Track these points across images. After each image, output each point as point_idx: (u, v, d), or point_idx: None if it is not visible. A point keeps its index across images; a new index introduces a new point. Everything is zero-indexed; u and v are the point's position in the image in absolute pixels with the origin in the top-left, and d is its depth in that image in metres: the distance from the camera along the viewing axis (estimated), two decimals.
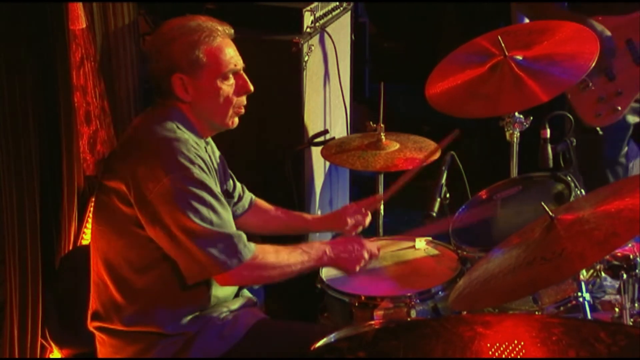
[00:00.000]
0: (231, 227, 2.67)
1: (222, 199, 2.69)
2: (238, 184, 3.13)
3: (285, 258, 2.72)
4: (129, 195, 2.62)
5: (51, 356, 3.21)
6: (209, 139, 2.90)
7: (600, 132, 3.59)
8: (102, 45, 3.64)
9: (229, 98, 2.74)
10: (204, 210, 2.60)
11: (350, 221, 3.13)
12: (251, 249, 2.65)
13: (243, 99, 2.79)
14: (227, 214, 2.67)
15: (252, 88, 2.78)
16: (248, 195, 3.16)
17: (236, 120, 2.81)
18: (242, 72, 2.78)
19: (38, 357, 3.17)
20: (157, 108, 2.75)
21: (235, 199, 3.10)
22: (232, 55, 2.74)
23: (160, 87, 2.73)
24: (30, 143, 3.08)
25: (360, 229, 3.18)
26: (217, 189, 2.68)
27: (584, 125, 3.63)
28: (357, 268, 2.85)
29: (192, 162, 2.61)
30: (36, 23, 3.11)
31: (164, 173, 2.58)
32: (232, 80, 2.74)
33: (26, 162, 3.07)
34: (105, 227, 2.71)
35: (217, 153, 2.96)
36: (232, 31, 2.79)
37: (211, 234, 2.59)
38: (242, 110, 2.80)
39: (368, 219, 3.19)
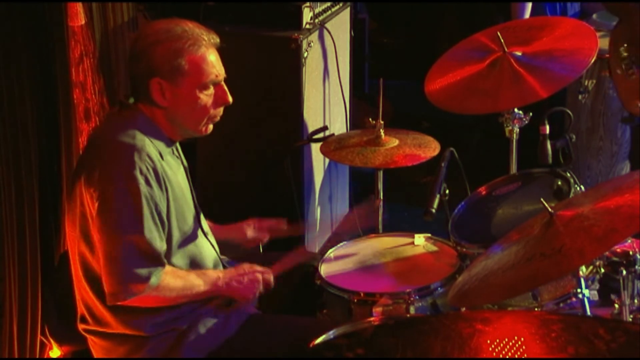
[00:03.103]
0: (157, 244, 2.62)
1: (161, 215, 2.64)
2: None
3: (182, 283, 2.69)
4: (88, 200, 2.63)
5: (51, 353, 3.21)
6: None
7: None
8: (101, 41, 3.64)
9: (205, 108, 2.71)
10: (135, 221, 2.58)
11: (249, 233, 3.11)
12: (162, 272, 2.63)
13: (220, 110, 2.76)
14: (157, 231, 2.62)
15: (230, 100, 2.75)
16: None
17: (210, 127, 2.79)
18: (222, 83, 2.75)
19: (37, 354, 3.17)
20: (123, 111, 2.73)
21: None
22: (214, 66, 2.70)
23: (136, 88, 2.70)
24: (29, 140, 3.08)
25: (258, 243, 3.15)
26: (160, 203, 2.63)
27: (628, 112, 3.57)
28: (250, 298, 2.81)
29: (142, 173, 2.59)
30: (34, 20, 3.11)
31: (112, 180, 2.59)
32: (211, 91, 2.71)
33: (25, 158, 3.07)
34: (74, 231, 2.71)
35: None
36: (218, 40, 2.74)
37: (134, 245, 2.58)
38: (217, 119, 2.78)
39: (266, 238, 3.15)
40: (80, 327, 2.79)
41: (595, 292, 2.69)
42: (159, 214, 2.63)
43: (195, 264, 2.79)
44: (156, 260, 2.62)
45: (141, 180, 2.58)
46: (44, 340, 3.17)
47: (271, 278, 2.83)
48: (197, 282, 2.72)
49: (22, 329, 3.12)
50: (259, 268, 2.83)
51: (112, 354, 2.75)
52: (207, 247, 2.87)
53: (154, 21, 2.76)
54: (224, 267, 2.92)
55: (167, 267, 2.67)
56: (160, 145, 2.71)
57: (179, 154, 2.83)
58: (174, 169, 2.75)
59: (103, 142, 2.71)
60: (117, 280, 2.60)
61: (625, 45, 3.46)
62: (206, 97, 2.70)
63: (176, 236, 2.72)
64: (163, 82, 2.66)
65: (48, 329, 3.10)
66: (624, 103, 3.56)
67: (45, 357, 3.22)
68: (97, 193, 2.60)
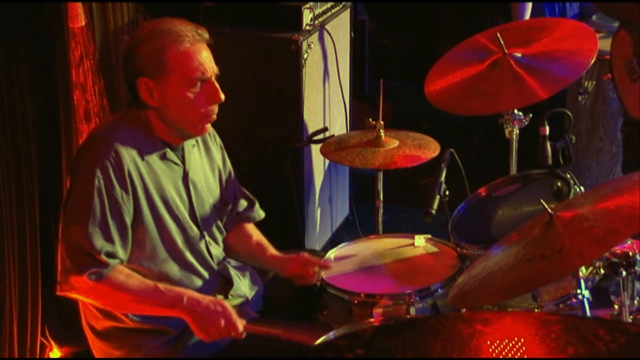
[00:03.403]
0: (100, 242, 2.56)
1: (120, 213, 2.59)
2: (240, 203, 3.03)
3: (135, 285, 2.59)
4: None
5: (51, 354, 3.21)
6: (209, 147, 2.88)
7: None
8: (102, 43, 3.65)
9: (195, 105, 2.64)
10: (82, 214, 2.56)
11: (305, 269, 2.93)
12: (106, 270, 2.56)
13: (214, 108, 2.69)
14: (107, 229, 2.57)
15: (222, 97, 2.67)
16: (233, 218, 3.02)
17: (207, 127, 2.72)
18: (213, 80, 2.67)
19: (38, 354, 3.17)
20: (121, 111, 2.76)
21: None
22: (201, 62, 2.63)
23: (130, 89, 2.68)
24: (29, 141, 3.08)
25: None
26: (122, 200, 2.58)
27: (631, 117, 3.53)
28: (209, 334, 2.60)
29: (103, 168, 2.57)
30: (35, 21, 3.11)
31: (77, 171, 2.63)
32: (198, 88, 2.64)
33: (25, 160, 3.07)
34: None
35: (214, 163, 2.91)
36: (207, 36, 2.68)
37: (78, 237, 2.56)
38: (213, 118, 2.70)
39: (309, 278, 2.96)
40: (84, 322, 2.79)
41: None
42: (118, 211, 2.59)
43: (191, 272, 2.77)
44: (94, 258, 2.55)
45: (99, 174, 2.57)
46: (44, 341, 3.17)
47: (240, 329, 2.63)
48: (153, 295, 2.61)
49: (22, 330, 3.12)
50: (232, 314, 2.63)
51: (112, 355, 2.75)
52: (203, 260, 2.82)
53: (144, 22, 2.75)
54: (223, 275, 2.88)
55: (124, 270, 2.61)
56: (146, 147, 2.68)
57: (181, 161, 2.77)
58: (162, 173, 2.71)
59: (87, 137, 2.80)
60: (61, 270, 2.59)
61: (629, 48, 3.45)
62: (194, 94, 2.64)
63: (157, 245, 2.69)
64: (149, 82, 2.63)
65: (48, 330, 3.10)
66: (627, 108, 3.55)
67: (45, 357, 3.22)
68: (68, 182, 2.67)
